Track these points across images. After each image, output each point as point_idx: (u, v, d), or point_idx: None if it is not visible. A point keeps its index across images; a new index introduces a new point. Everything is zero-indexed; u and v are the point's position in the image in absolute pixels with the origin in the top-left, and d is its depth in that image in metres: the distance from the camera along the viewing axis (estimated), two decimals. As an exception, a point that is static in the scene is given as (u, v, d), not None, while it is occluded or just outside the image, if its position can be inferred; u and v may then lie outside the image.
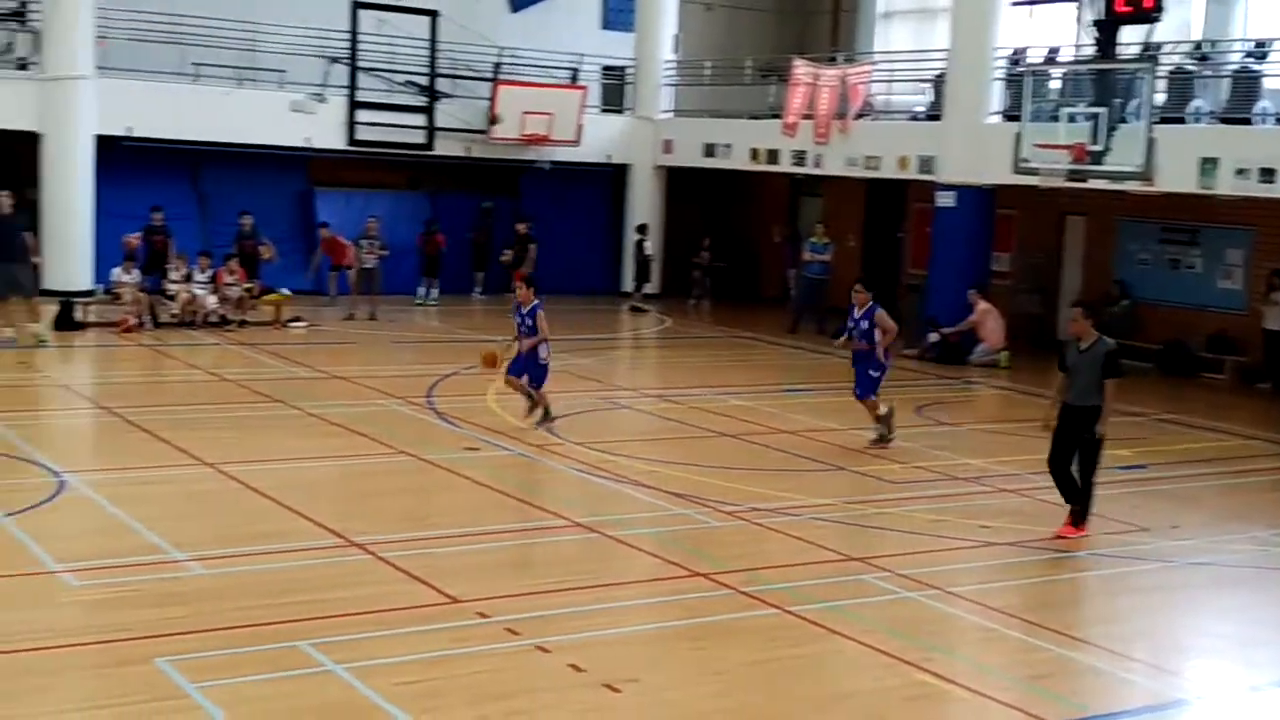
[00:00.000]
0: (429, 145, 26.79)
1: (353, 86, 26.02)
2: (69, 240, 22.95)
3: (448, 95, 27.01)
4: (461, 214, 27.22)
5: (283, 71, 25.33)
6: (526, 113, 26.72)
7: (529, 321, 14.68)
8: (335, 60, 25.79)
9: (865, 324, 14.70)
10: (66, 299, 20.79)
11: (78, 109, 23.18)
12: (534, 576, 9.78)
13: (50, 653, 7.83)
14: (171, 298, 21.46)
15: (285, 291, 22.36)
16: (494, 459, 13.43)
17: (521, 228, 25.55)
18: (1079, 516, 11.40)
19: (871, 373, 14.73)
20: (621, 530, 11.07)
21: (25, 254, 18.78)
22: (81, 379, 17.93)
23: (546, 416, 14.74)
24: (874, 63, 26.59)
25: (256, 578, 9.40)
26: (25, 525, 10.20)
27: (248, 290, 21.98)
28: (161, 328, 20.97)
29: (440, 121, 26.80)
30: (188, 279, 21.64)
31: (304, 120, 25.23)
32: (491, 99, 26.75)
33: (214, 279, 21.76)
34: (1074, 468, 11.34)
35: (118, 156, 23.67)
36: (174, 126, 24.09)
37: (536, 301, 14.77)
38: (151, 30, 23.94)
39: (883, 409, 14.84)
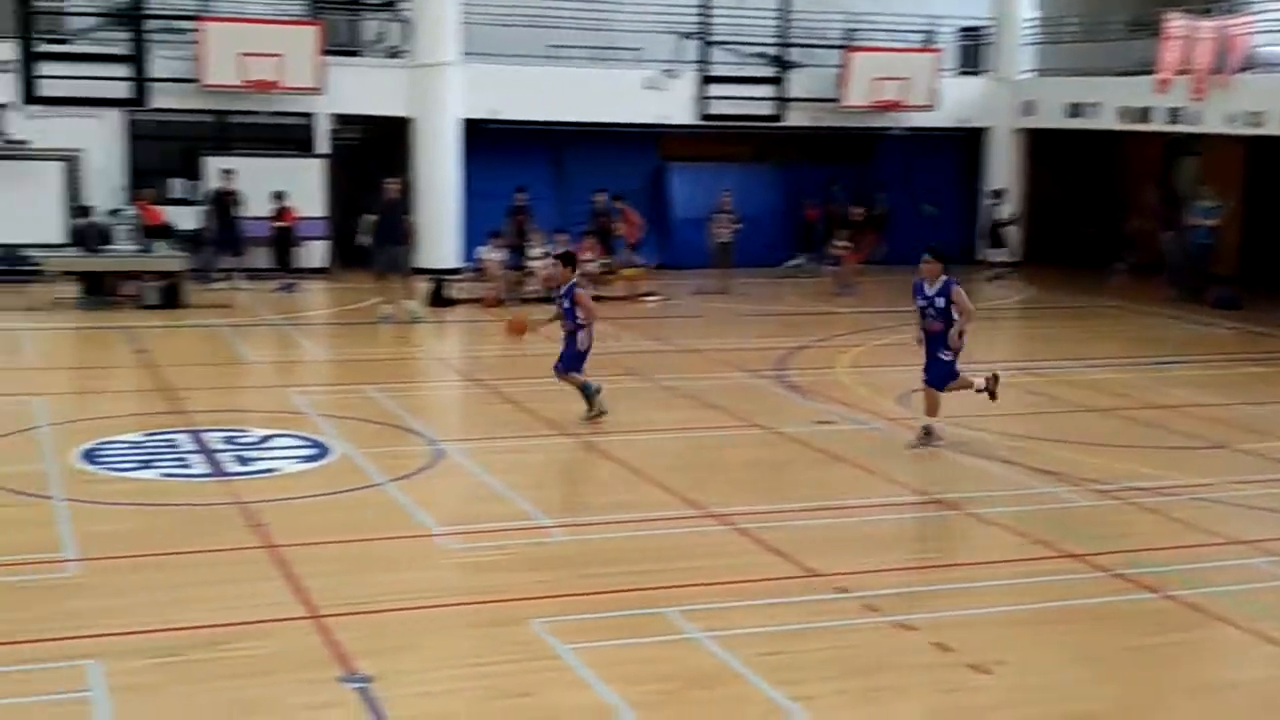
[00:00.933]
0: (779, 116, 26.75)
1: (704, 61, 26.26)
2: (439, 220, 24.18)
3: (798, 65, 26.87)
4: (811, 185, 27.11)
5: (638, 50, 25.81)
6: (878, 79, 26.30)
7: (567, 303, 13.19)
8: (687, 36, 26.10)
9: (942, 301, 12.22)
10: (438, 277, 21.88)
11: (445, 94, 24.37)
12: (894, 552, 9.58)
13: (431, 611, 8.22)
14: (532, 274, 22.26)
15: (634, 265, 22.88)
16: (848, 433, 13.25)
17: (858, 212, 25.20)
18: None
19: (943, 356, 12.39)
20: (984, 508, 10.71)
21: (406, 237, 19.90)
22: (452, 353, 18.85)
23: (593, 406, 13.17)
24: (1257, 12, 24.73)
25: (620, 545, 9.59)
26: (408, 491, 10.76)
27: (604, 266, 22.57)
28: (524, 303, 21.77)
29: (791, 92, 26.71)
30: (546, 256, 22.39)
31: (657, 97, 25.71)
32: (843, 66, 26.44)
33: (571, 255, 22.41)
34: None
35: (482, 138, 24.71)
36: (535, 108, 24.93)
37: (574, 280, 13.29)
38: (513, 14, 24.86)
39: (979, 381, 12.73)
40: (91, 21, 24.02)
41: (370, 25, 26.13)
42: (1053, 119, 26.89)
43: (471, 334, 20.04)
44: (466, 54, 24.50)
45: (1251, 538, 9.95)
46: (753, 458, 12.37)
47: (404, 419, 13.40)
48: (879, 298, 23.15)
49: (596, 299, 21.88)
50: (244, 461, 11.54)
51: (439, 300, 21.29)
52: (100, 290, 20.40)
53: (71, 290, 20.32)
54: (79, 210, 21.78)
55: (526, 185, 23.78)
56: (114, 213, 22.17)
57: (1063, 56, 28.36)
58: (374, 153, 25.63)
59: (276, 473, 11.28)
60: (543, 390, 14.96)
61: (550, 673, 7.27)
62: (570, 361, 13.27)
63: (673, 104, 25.92)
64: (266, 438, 12.40)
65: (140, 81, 23.14)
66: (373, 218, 19.74)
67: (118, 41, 23.33)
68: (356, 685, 6.98)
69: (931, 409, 12.56)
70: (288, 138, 24.51)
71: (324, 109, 24.24)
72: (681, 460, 12.33)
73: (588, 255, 22.50)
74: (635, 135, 26.39)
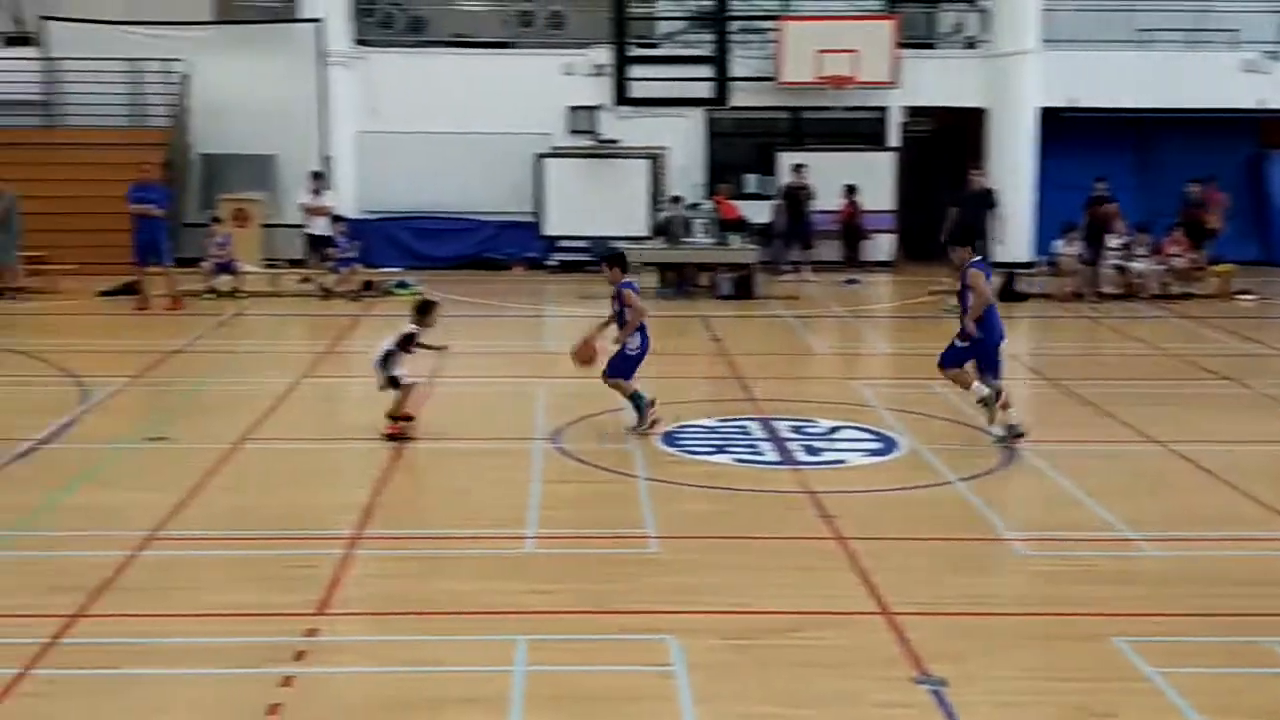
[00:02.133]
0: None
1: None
2: (1014, 213, 23.52)
3: None
4: None
5: (1235, 30, 24.00)
6: None
7: (617, 305, 12.05)
8: (1294, 14, 23.97)
9: (958, 285, 12.01)
10: (1010, 270, 21.25)
11: (1023, 83, 23.72)
12: None
13: (1004, 619, 7.85)
14: (1110, 269, 21.16)
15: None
16: None
17: None
18: None
19: (958, 340, 11.79)
20: None
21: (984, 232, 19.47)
22: (1022, 349, 18.16)
23: (643, 419, 12.05)
24: None
25: (1216, 564, 8.78)
26: (979, 491, 10.40)
27: (1193, 262, 21.10)
28: (1102, 300, 20.74)
29: None
30: (1127, 249, 21.22)
31: (1257, 80, 23.81)
32: None
33: (1156, 250, 21.14)
34: None
35: (1059, 128, 23.80)
36: (1118, 95, 23.80)
37: (627, 279, 12.08)
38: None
39: (978, 389, 11.69)
40: (678, 25, 25.28)
41: (947, 17, 25.85)
42: None
43: (1043, 330, 19.29)
44: (1046, 41, 23.69)
45: None
46: (1372, 478, 10.99)
47: (972, 416, 13.01)
48: None
49: (1186, 297, 20.57)
50: (813, 451, 11.61)
51: (1010, 294, 20.66)
52: (679, 280, 21.42)
53: (652, 279, 21.46)
54: (663, 204, 22.98)
55: (1105, 175, 22.64)
56: (692, 207, 23.23)
57: None
58: (943, 145, 25.33)
59: (844, 464, 11.27)
60: (1122, 392, 14.16)
61: (1137, 695, 6.72)
62: (616, 367, 12.18)
63: (1276, 87, 23.85)
64: (834, 429, 12.44)
65: (722, 81, 24.08)
66: (955, 210, 19.52)
67: (702, 43, 24.40)
68: (930, 687, 6.75)
69: (960, 383, 11.97)
70: (859, 132, 24.72)
71: (897, 102, 24.21)
72: (1284, 475, 11.18)
73: (1174, 249, 21.11)
74: (1229, 121, 24.54)
